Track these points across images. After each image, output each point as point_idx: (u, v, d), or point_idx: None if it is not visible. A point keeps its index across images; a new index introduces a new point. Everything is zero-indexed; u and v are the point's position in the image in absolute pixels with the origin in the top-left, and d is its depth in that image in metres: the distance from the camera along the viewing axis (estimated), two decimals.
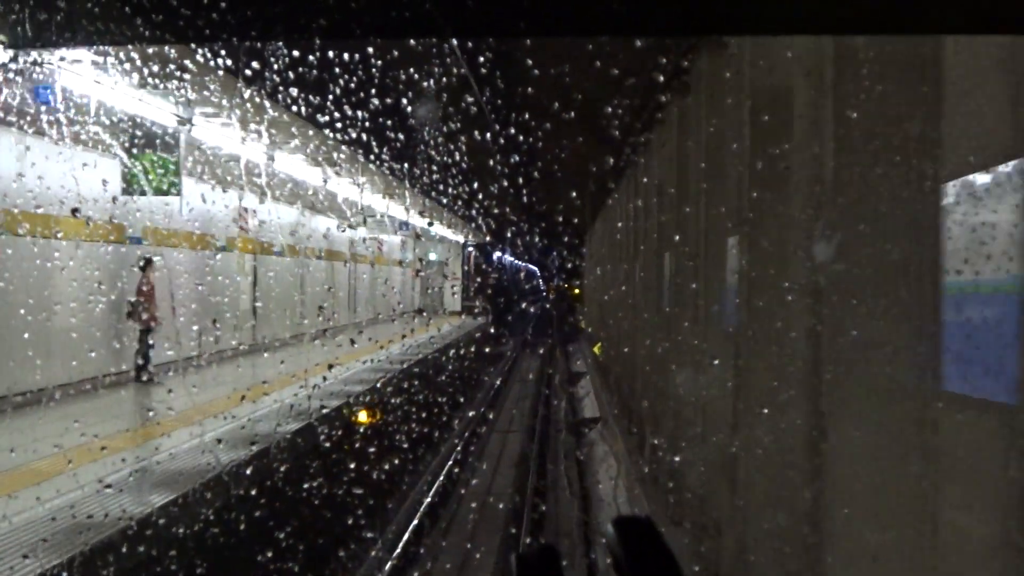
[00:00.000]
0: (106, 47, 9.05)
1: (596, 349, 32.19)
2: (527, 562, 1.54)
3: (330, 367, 17.17)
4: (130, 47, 9.65)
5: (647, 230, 17.48)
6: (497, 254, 60.87)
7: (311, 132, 17.41)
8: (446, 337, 30.83)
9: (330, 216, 29.96)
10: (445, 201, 32.07)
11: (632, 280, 20.09)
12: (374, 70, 13.09)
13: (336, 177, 23.20)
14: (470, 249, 52.06)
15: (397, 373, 19.96)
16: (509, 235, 51.04)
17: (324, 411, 14.60)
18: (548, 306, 74.36)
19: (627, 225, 21.99)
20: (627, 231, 21.89)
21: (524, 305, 69.49)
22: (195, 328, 18.80)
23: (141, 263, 16.44)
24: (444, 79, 15.52)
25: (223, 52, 10.94)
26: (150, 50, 10.84)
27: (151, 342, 16.40)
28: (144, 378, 16.13)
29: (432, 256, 47.00)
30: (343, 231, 31.30)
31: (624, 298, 21.74)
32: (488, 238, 52.47)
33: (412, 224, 36.40)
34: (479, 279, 53.44)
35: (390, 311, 39.78)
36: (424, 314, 42.58)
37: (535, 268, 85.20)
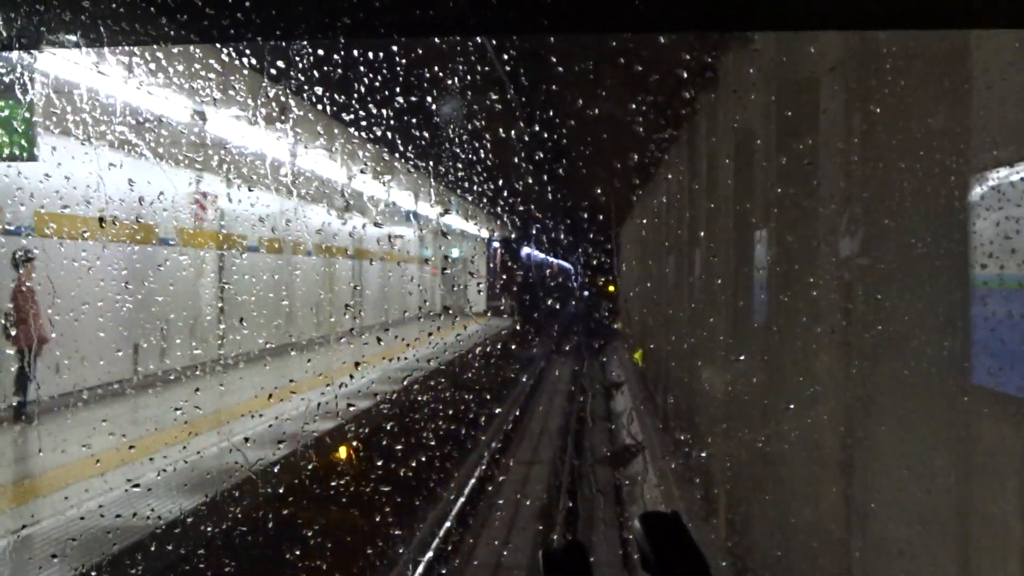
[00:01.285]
0: (131, 47, 8.98)
1: (637, 357, 28.10)
2: (554, 558, 1.55)
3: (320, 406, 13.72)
4: (155, 47, 9.64)
5: (713, 206, 13.36)
6: (525, 250, 60.36)
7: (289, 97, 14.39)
8: (472, 337, 30.39)
9: (332, 208, 27.62)
10: (470, 198, 32.04)
11: (686, 273, 15.91)
12: (398, 68, 13.10)
13: (340, 165, 22.54)
14: (495, 245, 51.65)
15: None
16: (535, 231, 50.68)
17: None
18: (575, 302, 73.69)
19: (679, 208, 18.19)
20: (679, 215, 18.19)
21: (551, 302, 68.70)
22: (127, 344, 15.59)
23: (16, 261, 12.84)
24: (468, 77, 15.51)
25: None
26: None
27: (27, 371, 12.51)
28: (24, 417, 12.31)
29: (455, 253, 45.55)
30: (363, 227, 30.51)
31: (677, 297, 17.51)
32: (514, 235, 52.10)
33: (428, 216, 34.50)
34: (504, 276, 53.01)
35: (407, 313, 36.69)
36: (450, 311, 41.95)
37: (564, 264, 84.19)
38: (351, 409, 15.25)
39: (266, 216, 22.28)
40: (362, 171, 22.99)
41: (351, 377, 15.63)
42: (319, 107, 14.84)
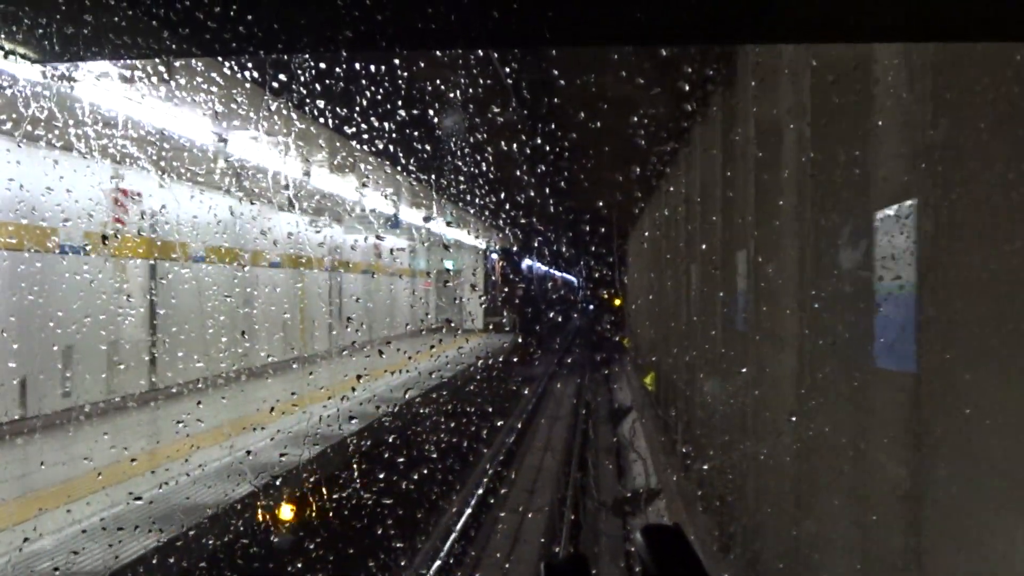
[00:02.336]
0: (133, 60, 8.91)
1: (647, 381, 24.85)
2: (557, 570, 1.54)
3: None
4: (156, 60, 9.60)
5: (715, 219, 11.99)
6: (527, 262, 59.66)
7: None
8: (474, 351, 30.15)
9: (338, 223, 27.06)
10: (472, 210, 31.88)
11: (717, 282, 12.43)
12: (400, 81, 13.08)
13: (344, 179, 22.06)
14: (494, 257, 50.90)
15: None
16: (537, 243, 50.16)
17: None
18: (576, 315, 73.34)
19: (685, 220, 16.36)
20: (685, 227, 16.42)
21: (553, 315, 67.72)
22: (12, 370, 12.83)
23: None
24: (470, 89, 15.51)
25: None
26: None
27: None
28: None
29: (448, 264, 42.78)
30: (365, 240, 30.00)
31: (707, 312, 13.90)
32: (516, 247, 51.48)
33: (428, 228, 32.53)
34: (506, 289, 52.30)
35: (408, 327, 35.01)
36: (452, 324, 41.38)
37: (567, 276, 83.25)
38: (353, 421, 15.01)
39: (268, 229, 22.28)
40: (364, 184, 22.97)
41: (354, 389, 15.52)
42: (320, 120, 14.80)
